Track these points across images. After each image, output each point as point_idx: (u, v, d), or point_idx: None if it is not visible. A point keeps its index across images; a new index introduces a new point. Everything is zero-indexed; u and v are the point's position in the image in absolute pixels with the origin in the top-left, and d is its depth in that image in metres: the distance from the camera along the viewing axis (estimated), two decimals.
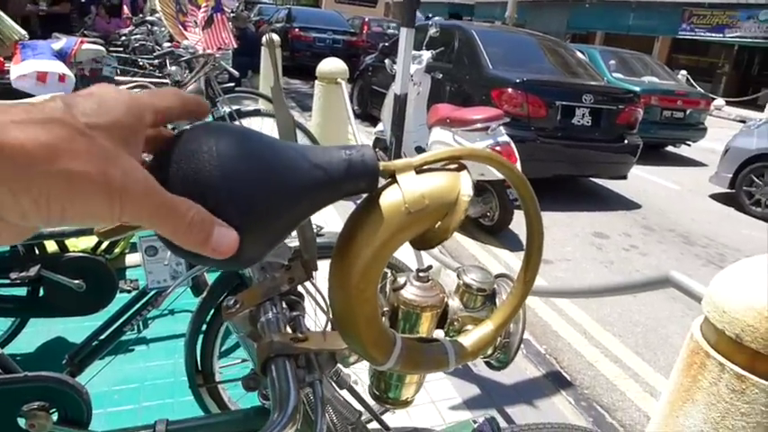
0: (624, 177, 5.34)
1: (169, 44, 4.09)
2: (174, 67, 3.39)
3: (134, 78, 3.80)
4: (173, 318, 2.26)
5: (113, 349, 1.62)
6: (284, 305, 0.55)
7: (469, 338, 0.48)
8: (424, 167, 0.39)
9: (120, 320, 1.62)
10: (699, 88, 9.64)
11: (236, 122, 3.50)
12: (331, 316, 0.42)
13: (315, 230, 0.53)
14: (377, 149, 4.70)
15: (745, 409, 0.94)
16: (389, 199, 0.37)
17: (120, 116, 0.29)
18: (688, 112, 7.47)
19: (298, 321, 0.55)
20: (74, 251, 1.79)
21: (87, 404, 1.06)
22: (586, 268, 3.79)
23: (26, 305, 1.77)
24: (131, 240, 2.29)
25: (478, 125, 3.65)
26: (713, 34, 16.45)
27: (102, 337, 1.61)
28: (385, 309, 0.55)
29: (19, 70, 2.62)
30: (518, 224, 4.12)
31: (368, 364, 0.47)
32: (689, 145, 8.02)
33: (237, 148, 0.32)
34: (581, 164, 5.11)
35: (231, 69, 3.83)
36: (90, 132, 0.26)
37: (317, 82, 4.86)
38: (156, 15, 4.98)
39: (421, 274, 0.55)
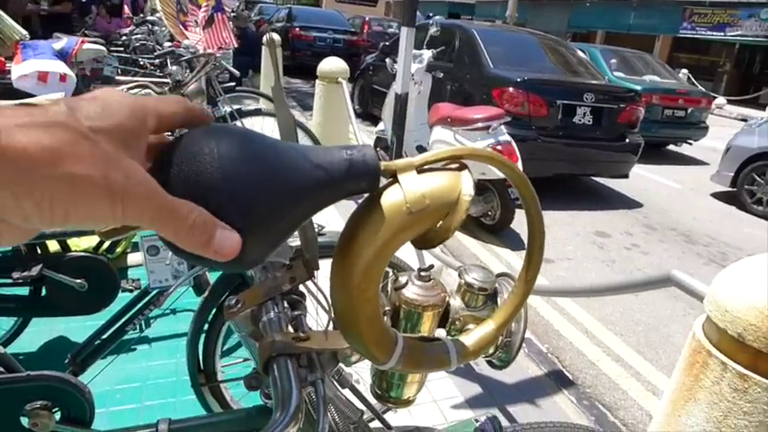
0: (625, 176, 5.34)
1: (170, 44, 4.09)
2: (174, 67, 3.38)
3: (135, 78, 3.80)
4: (175, 317, 2.26)
5: (115, 348, 1.63)
6: (286, 304, 0.55)
7: (471, 338, 0.48)
8: (426, 167, 0.39)
9: (122, 320, 1.62)
10: (700, 87, 9.62)
11: (237, 122, 3.50)
12: (333, 315, 0.42)
13: (316, 230, 0.53)
14: (378, 149, 4.71)
15: (747, 408, 0.94)
16: (391, 199, 0.37)
17: (124, 120, 0.29)
18: (689, 110, 7.46)
19: (299, 321, 0.55)
20: (76, 251, 1.79)
21: (90, 403, 1.06)
22: (588, 267, 3.79)
23: (28, 304, 1.78)
24: (133, 240, 2.29)
25: (479, 124, 3.64)
26: (714, 33, 16.42)
27: (105, 336, 1.61)
28: (386, 308, 0.55)
29: (20, 70, 2.62)
30: (519, 223, 4.12)
31: (370, 363, 0.47)
32: (690, 144, 8.01)
33: (238, 149, 0.32)
34: (582, 163, 5.10)
35: (232, 69, 3.83)
36: (93, 136, 0.27)
37: (317, 81, 4.86)
38: (157, 15, 4.98)
39: (422, 274, 0.55)
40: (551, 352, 2.66)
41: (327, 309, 0.51)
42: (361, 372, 1.10)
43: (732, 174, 5.54)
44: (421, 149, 4.54)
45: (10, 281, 1.68)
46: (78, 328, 1.96)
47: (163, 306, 1.66)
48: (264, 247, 0.35)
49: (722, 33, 16.19)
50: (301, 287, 0.56)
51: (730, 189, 5.65)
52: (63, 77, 2.70)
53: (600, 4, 19.16)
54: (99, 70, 3.41)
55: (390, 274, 0.57)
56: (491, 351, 0.58)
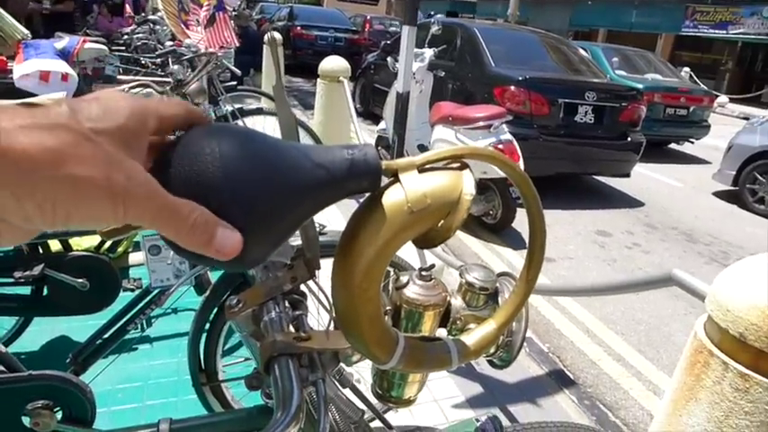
0: (627, 175, 5.33)
1: (171, 43, 4.09)
2: (176, 66, 3.38)
3: (136, 77, 3.80)
4: (176, 316, 2.27)
5: (117, 348, 1.63)
6: (287, 304, 0.55)
7: (472, 337, 0.48)
8: (427, 166, 0.39)
9: (124, 319, 1.62)
10: (702, 85, 9.60)
11: (239, 121, 3.50)
12: (334, 315, 0.42)
13: (317, 229, 0.53)
14: (379, 147, 4.71)
15: (748, 407, 0.93)
16: (392, 198, 0.37)
17: (125, 121, 0.29)
18: (691, 109, 7.44)
19: (300, 320, 0.55)
20: (77, 250, 1.79)
21: (91, 403, 1.06)
22: (589, 266, 3.78)
23: (30, 304, 1.78)
24: (135, 239, 2.29)
25: (481, 123, 3.64)
26: (716, 31, 16.39)
27: (106, 335, 1.61)
28: (388, 307, 0.55)
29: (22, 69, 2.63)
30: (521, 222, 4.11)
31: (371, 362, 0.47)
32: (692, 142, 8.00)
33: (240, 148, 0.32)
34: (584, 161, 5.10)
35: (233, 68, 3.83)
36: (95, 137, 0.27)
37: (319, 80, 4.86)
38: (159, 14, 4.98)
39: (423, 273, 0.55)
40: (552, 351, 2.66)
41: (328, 308, 0.51)
42: (362, 371, 1.10)
43: (734, 172, 5.53)
44: (422, 148, 4.54)
45: (12, 280, 1.68)
46: (80, 327, 1.96)
47: (164, 305, 1.66)
48: (266, 247, 0.35)
49: (724, 31, 16.16)
50: (302, 287, 0.56)
51: (732, 188, 5.64)
52: (65, 77, 2.70)
53: (602, 2, 19.12)
54: (101, 69, 3.41)
55: (391, 273, 0.57)
56: (492, 350, 0.58)
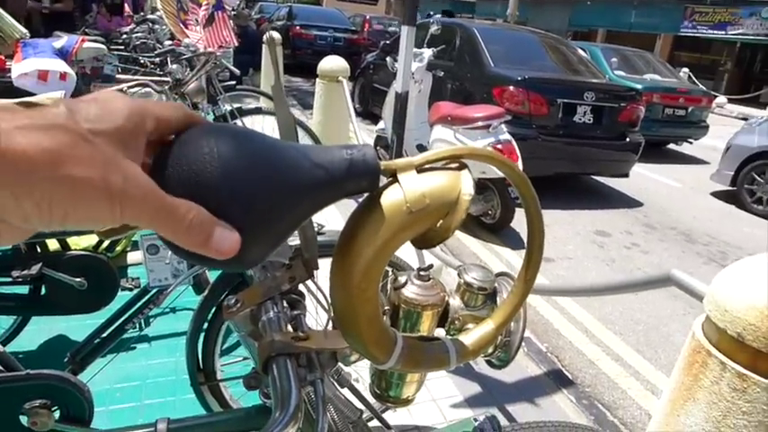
0: (626, 175, 5.34)
1: (170, 42, 4.09)
2: (175, 66, 3.38)
3: (135, 77, 3.80)
4: (174, 316, 2.26)
5: (115, 347, 1.63)
6: (285, 304, 0.55)
7: (470, 337, 0.48)
8: (426, 166, 0.39)
9: (122, 319, 1.62)
10: (701, 86, 9.61)
11: (237, 121, 3.50)
12: (332, 315, 0.42)
13: (316, 229, 0.53)
14: (378, 147, 4.70)
15: (746, 408, 0.94)
16: (391, 198, 0.37)
17: (122, 122, 0.29)
18: (690, 109, 7.45)
19: (299, 320, 0.55)
20: (75, 249, 1.79)
21: (89, 402, 1.06)
22: (588, 266, 3.79)
23: (28, 303, 1.78)
24: (133, 239, 2.29)
25: (480, 123, 3.64)
26: (715, 31, 16.41)
27: (104, 335, 1.61)
28: (386, 307, 0.55)
29: (20, 69, 2.62)
30: (519, 222, 4.12)
31: (369, 362, 0.47)
32: (691, 143, 8.01)
33: (238, 148, 0.32)
34: (582, 162, 5.10)
35: (232, 67, 3.83)
36: (92, 138, 0.27)
37: (318, 80, 4.86)
38: (158, 13, 4.98)
39: (422, 273, 0.55)
40: (551, 351, 2.67)
41: (327, 308, 0.51)
42: (360, 371, 1.10)
43: (732, 173, 5.54)
44: (421, 148, 4.54)
45: (10, 279, 1.68)
46: (78, 326, 1.96)
47: (162, 305, 1.66)
48: (264, 247, 0.35)
49: (723, 32, 16.18)
50: (301, 287, 0.56)
51: (730, 188, 5.65)
52: (63, 76, 2.70)
53: (601, 2, 19.15)
54: (99, 69, 3.41)
55: (390, 273, 0.57)
56: (490, 350, 0.58)
